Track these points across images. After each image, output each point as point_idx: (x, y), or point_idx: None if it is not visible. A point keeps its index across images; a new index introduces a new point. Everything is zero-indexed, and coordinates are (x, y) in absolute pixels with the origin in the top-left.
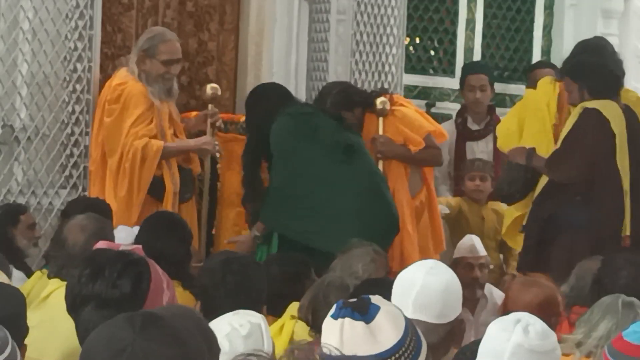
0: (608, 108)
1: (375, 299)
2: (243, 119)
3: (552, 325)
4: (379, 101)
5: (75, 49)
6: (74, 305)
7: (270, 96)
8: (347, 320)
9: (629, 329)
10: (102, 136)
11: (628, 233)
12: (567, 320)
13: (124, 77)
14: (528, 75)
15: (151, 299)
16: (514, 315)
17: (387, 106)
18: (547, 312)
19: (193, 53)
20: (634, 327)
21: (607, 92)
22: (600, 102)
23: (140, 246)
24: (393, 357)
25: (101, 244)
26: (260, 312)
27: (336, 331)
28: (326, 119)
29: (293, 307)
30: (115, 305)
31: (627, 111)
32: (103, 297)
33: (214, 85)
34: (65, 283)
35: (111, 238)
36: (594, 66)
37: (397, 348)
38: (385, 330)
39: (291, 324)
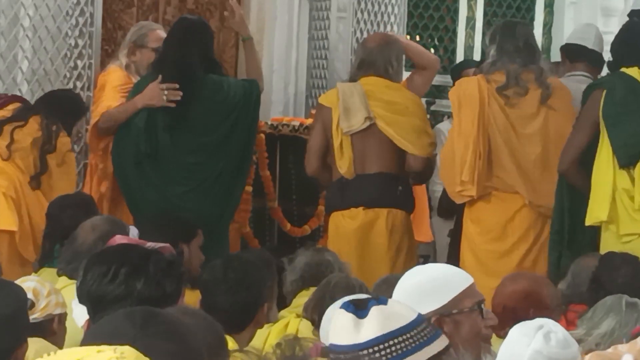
0: None
1: (391, 300)
2: None
3: (532, 317)
4: None
5: (76, 46)
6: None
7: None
8: (342, 311)
9: None
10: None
11: None
12: (564, 318)
13: (110, 69)
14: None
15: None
16: (537, 321)
17: None
18: (530, 302)
19: None
20: None
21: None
22: None
23: (168, 245)
24: (366, 351)
25: (119, 239)
26: (261, 309)
27: (332, 319)
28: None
29: (298, 301)
30: (154, 304)
31: None
32: (146, 295)
33: None
34: (74, 281)
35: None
36: None
37: (373, 344)
38: (369, 326)
39: (296, 323)
